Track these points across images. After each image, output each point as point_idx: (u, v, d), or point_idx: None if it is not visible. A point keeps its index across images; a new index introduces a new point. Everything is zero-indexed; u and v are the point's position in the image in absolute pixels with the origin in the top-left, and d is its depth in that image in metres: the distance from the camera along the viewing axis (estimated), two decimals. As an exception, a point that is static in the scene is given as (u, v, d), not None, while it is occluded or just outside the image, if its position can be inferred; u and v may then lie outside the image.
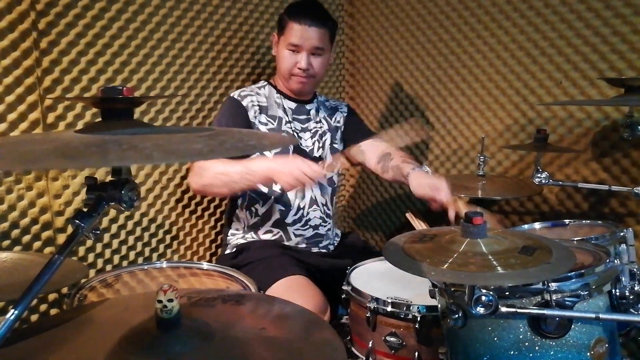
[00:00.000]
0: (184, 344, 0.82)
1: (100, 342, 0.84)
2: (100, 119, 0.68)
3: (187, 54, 1.86)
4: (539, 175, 1.63)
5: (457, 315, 1.00)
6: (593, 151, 1.86)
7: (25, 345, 0.83)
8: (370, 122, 2.51)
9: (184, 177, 1.91)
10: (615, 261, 1.02)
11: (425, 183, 1.67)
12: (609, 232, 1.33)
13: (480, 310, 0.87)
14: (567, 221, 1.55)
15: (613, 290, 1.00)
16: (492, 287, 0.95)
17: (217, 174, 1.62)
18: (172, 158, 0.70)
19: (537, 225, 1.56)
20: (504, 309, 0.87)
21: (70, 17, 1.54)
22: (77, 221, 0.65)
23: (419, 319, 1.32)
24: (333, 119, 1.98)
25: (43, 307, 1.59)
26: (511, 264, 0.82)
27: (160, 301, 0.82)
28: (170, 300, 0.82)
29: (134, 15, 1.68)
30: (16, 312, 0.55)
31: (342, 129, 1.99)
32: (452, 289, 1.01)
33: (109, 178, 0.70)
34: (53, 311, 1.60)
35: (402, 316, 1.36)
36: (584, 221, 1.55)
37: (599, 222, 1.52)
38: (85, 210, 0.66)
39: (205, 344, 0.83)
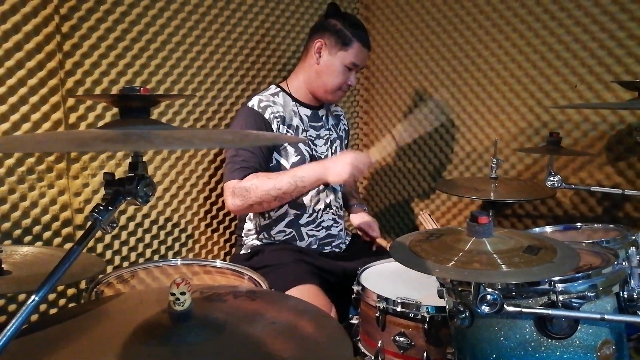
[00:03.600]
0: (195, 335, 0.85)
1: (116, 332, 0.87)
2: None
3: (205, 57, 1.90)
4: (551, 178, 1.63)
5: (464, 315, 1.01)
6: (607, 155, 1.85)
7: (44, 334, 0.87)
8: (384, 125, 2.52)
9: (199, 177, 1.95)
10: (624, 263, 1.02)
11: (363, 220, 2.03)
12: (620, 236, 1.33)
13: (486, 309, 0.88)
14: (579, 224, 1.54)
15: (621, 293, 1.00)
16: (499, 286, 0.97)
17: (267, 190, 1.66)
18: (211, 144, 0.77)
19: (548, 229, 1.56)
20: (509, 308, 0.88)
21: (93, 21, 1.59)
22: (95, 214, 0.68)
23: (427, 319, 1.33)
24: (338, 128, 2.02)
25: (62, 301, 1.64)
26: (515, 263, 0.83)
27: (173, 294, 0.85)
28: (183, 293, 0.86)
29: (152, 19, 1.73)
30: (36, 298, 0.59)
31: (344, 142, 2.06)
32: (459, 289, 1.02)
33: (126, 175, 0.73)
34: (72, 305, 1.65)
35: (411, 316, 1.36)
36: (596, 225, 1.54)
37: (611, 225, 1.51)
38: (102, 204, 0.70)
39: (216, 336, 0.86)
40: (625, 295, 1.00)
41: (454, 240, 0.93)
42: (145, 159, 1.70)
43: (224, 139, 0.67)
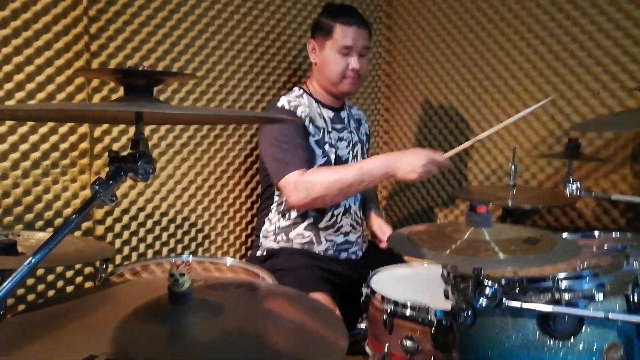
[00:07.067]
0: (192, 316, 0.87)
1: (118, 312, 0.89)
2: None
3: (227, 61, 1.95)
4: (570, 185, 1.58)
5: (466, 313, 0.99)
6: (631, 164, 1.79)
7: (52, 310, 0.91)
8: (404, 132, 2.52)
9: (217, 179, 1.98)
10: (635, 264, 0.98)
11: (379, 226, 1.99)
12: (636, 243, 1.28)
13: (484, 302, 0.86)
14: (597, 233, 1.50)
15: (631, 295, 0.96)
16: (503, 282, 0.95)
17: (331, 182, 1.65)
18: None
19: (565, 235, 1.52)
20: (509, 303, 0.87)
21: (119, 23, 1.66)
22: (96, 187, 0.71)
23: (435, 323, 1.31)
24: (359, 132, 2.02)
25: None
26: (512, 251, 0.82)
27: (172, 274, 0.87)
28: (182, 275, 0.87)
29: (177, 23, 1.79)
30: (33, 260, 0.61)
31: (365, 147, 2.05)
32: (461, 286, 1.01)
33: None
34: (85, 287, 1.69)
35: (419, 320, 1.34)
36: (614, 234, 1.49)
37: (629, 235, 1.46)
38: (104, 178, 0.73)
39: (213, 318, 0.87)
40: (636, 298, 0.96)
41: (453, 231, 0.92)
42: (164, 166, 1.76)
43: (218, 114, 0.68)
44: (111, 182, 0.72)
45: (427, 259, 0.85)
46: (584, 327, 0.92)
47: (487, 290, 0.86)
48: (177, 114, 0.77)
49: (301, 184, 1.66)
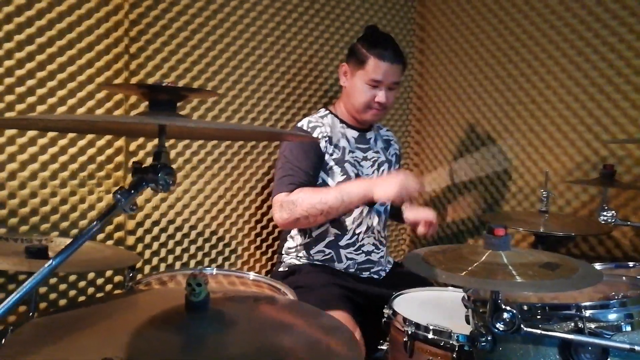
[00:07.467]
0: (207, 326, 0.88)
1: (137, 318, 0.92)
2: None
3: (259, 81, 2.01)
4: (604, 213, 1.54)
5: (484, 338, 0.97)
6: (672, 193, 1.72)
7: (75, 313, 0.94)
8: (435, 155, 2.50)
9: (246, 195, 2.02)
10: (666, 296, 0.94)
11: (418, 212, 2.00)
12: (673, 274, 1.22)
13: (501, 327, 0.84)
14: (631, 263, 1.43)
15: (662, 328, 0.92)
16: (525, 308, 0.93)
17: (313, 204, 1.68)
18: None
19: (598, 265, 1.46)
20: (527, 329, 0.84)
21: (158, 44, 1.74)
22: (118, 195, 0.74)
23: (457, 347, 1.28)
24: (388, 152, 2.02)
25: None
26: (529, 275, 0.79)
27: (189, 284, 0.89)
28: (199, 285, 0.89)
29: (213, 44, 1.87)
30: (53, 263, 0.64)
31: (394, 167, 2.04)
32: (481, 310, 0.98)
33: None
34: (114, 293, 1.73)
35: (440, 344, 1.32)
36: (649, 264, 1.42)
37: (666, 265, 1.39)
38: (126, 188, 0.76)
39: (227, 329, 0.89)
40: (667, 331, 0.91)
41: (470, 253, 0.90)
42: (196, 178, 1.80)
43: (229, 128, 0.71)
44: (132, 191, 0.75)
45: (440, 280, 0.84)
46: (609, 359, 0.88)
47: (505, 315, 0.84)
48: (197, 128, 0.80)
49: (285, 204, 1.71)
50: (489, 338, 0.96)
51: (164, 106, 0.76)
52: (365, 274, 1.88)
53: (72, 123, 0.73)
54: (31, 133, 1.56)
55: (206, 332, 0.87)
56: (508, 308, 0.85)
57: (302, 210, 1.69)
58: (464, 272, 0.82)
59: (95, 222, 0.71)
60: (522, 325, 0.84)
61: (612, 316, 0.90)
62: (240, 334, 0.88)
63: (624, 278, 1.12)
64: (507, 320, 0.84)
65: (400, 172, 1.69)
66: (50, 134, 1.59)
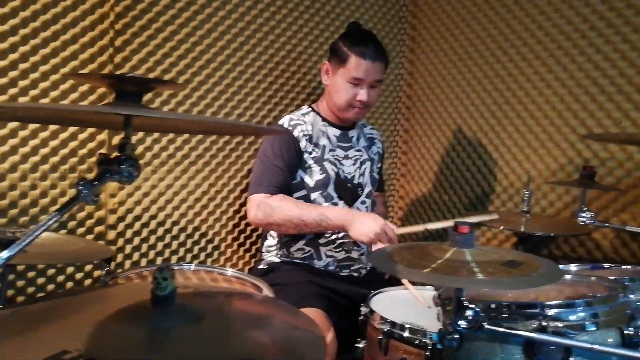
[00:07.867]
0: (172, 320, 0.88)
1: (103, 312, 0.92)
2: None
3: (246, 77, 2.00)
4: (582, 214, 1.54)
5: (451, 336, 0.97)
6: (652, 196, 1.73)
7: (38, 306, 0.94)
8: (422, 154, 2.51)
9: (231, 191, 2.02)
10: (631, 296, 0.94)
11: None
12: (644, 276, 1.22)
13: (463, 324, 0.84)
14: (607, 265, 1.44)
15: (626, 329, 0.92)
16: (492, 306, 0.93)
17: (291, 217, 1.71)
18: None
19: (574, 267, 1.47)
20: (489, 327, 0.84)
21: (144, 37, 1.73)
22: (80, 187, 0.74)
23: (430, 346, 1.28)
24: (370, 150, 2.02)
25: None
26: (489, 272, 0.80)
27: (155, 278, 0.89)
28: (165, 279, 0.89)
29: (200, 39, 1.86)
30: (7, 254, 0.64)
31: (377, 165, 2.03)
32: (448, 308, 0.98)
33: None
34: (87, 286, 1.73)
35: (415, 342, 1.32)
36: (624, 266, 1.43)
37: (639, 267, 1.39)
38: (88, 178, 0.76)
39: (192, 323, 0.88)
40: (631, 332, 0.92)
41: (435, 250, 0.90)
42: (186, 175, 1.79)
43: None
44: (95, 182, 0.75)
45: (401, 277, 0.84)
46: (572, 359, 0.88)
47: (468, 313, 0.84)
48: (162, 119, 0.80)
49: (263, 206, 1.73)
50: (455, 336, 0.96)
51: (131, 97, 0.76)
52: (345, 272, 1.88)
53: (33, 111, 0.73)
54: (12, 125, 1.55)
55: (170, 326, 0.87)
56: (471, 306, 0.85)
57: (278, 219, 1.71)
58: (427, 269, 0.82)
59: (55, 213, 0.71)
60: (484, 324, 0.84)
61: (577, 316, 0.90)
62: (205, 329, 0.88)
63: (592, 278, 1.13)
64: (470, 318, 0.85)
65: (381, 219, 1.68)
66: (32, 126, 1.58)
